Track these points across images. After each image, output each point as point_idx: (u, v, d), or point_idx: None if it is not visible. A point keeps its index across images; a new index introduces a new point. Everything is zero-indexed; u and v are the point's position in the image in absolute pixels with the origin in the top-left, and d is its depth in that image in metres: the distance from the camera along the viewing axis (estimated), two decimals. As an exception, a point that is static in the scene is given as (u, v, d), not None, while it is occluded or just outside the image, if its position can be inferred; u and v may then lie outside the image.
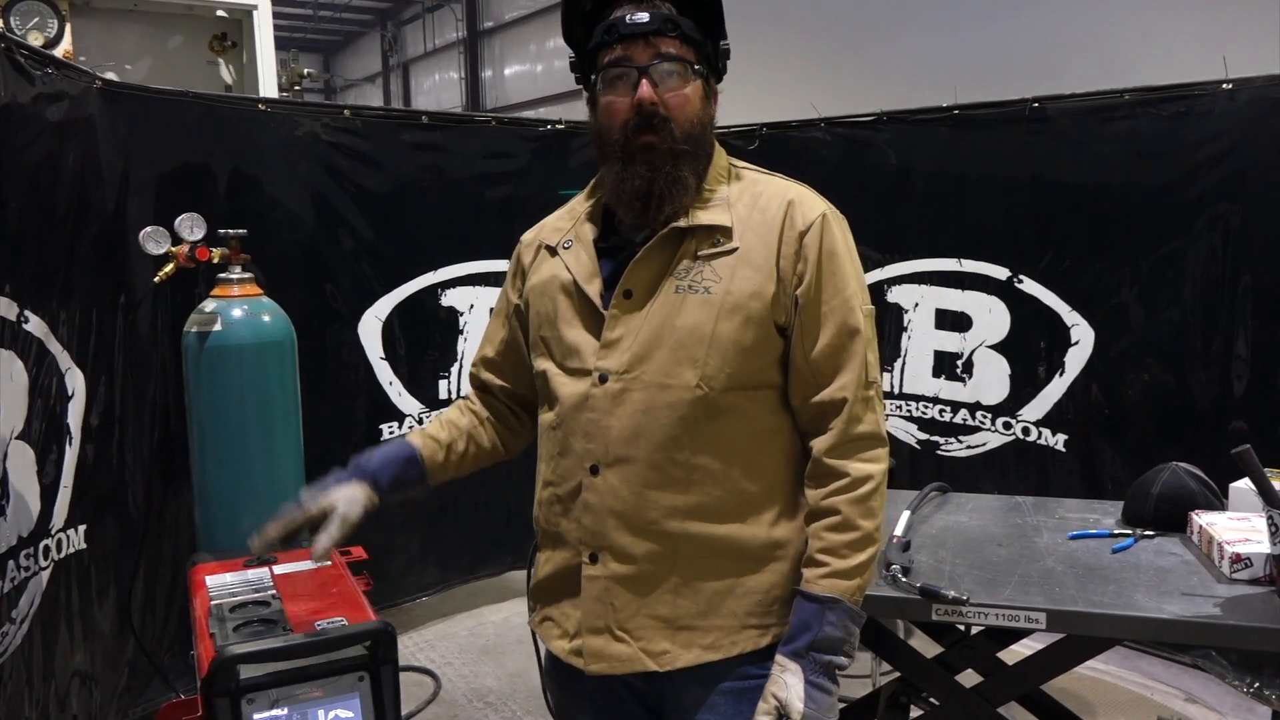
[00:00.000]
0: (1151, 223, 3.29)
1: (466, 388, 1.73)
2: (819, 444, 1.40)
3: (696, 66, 1.39)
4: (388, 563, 3.68)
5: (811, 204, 1.43)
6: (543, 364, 1.49)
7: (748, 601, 1.40)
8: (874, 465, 1.40)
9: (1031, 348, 3.60)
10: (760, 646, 1.40)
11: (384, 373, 3.72)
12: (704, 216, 1.41)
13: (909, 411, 3.96)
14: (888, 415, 1.41)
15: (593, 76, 1.41)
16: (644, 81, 1.35)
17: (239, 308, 2.43)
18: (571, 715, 1.56)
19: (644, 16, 1.36)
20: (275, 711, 1.53)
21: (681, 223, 1.40)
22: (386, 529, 3.74)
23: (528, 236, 1.62)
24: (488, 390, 1.67)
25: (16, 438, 2.23)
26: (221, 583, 1.96)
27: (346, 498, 1.51)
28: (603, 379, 1.39)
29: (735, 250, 1.39)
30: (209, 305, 2.44)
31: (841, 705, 1.85)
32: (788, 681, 1.34)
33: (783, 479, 1.44)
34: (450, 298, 3.87)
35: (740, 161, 1.52)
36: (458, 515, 3.99)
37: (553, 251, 1.50)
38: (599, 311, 1.41)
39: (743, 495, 1.40)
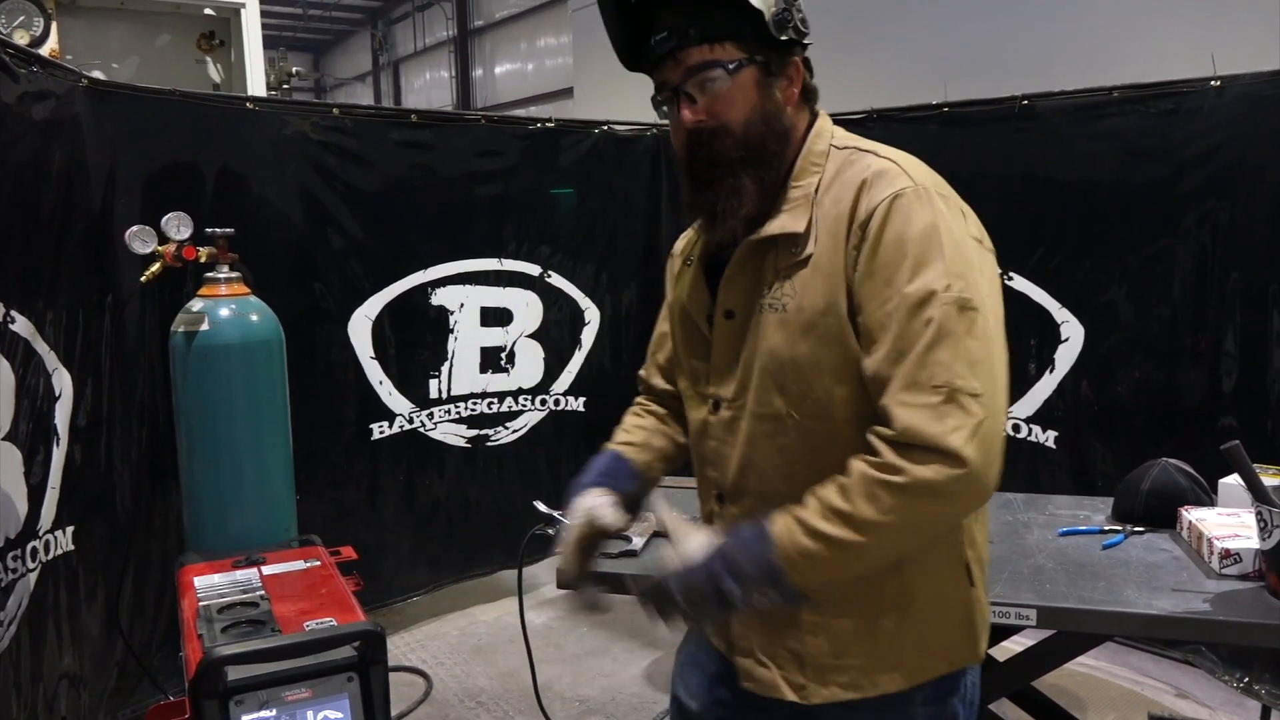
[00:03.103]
0: (1141, 220, 3.30)
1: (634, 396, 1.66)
2: None
3: (733, 64, 1.25)
4: (378, 563, 3.67)
5: (888, 181, 1.21)
6: (680, 382, 1.47)
7: (883, 643, 1.29)
8: (924, 470, 1.10)
9: (1021, 345, 3.60)
10: (904, 689, 1.30)
11: (374, 372, 3.71)
12: (774, 224, 1.27)
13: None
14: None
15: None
16: (683, 104, 1.27)
17: (226, 307, 2.42)
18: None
19: (664, 36, 1.27)
20: (263, 713, 1.52)
21: (756, 235, 1.28)
22: (377, 528, 3.73)
23: (677, 245, 1.54)
24: (656, 394, 1.61)
25: (3, 439, 2.22)
26: (210, 584, 1.95)
27: (614, 515, 1.40)
28: (716, 406, 1.34)
29: (809, 258, 1.24)
30: (196, 305, 2.43)
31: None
32: (691, 533, 1.22)
33: None
34: (440, 296, 3.86)
35: (848, 137, 1.33)
36: (449, 514, 3.98)
37: (688, 263, 1.45)
38: (706, 334, 1.36)
39: None
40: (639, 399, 1.64)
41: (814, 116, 1.36)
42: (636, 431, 1.55)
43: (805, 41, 1.30)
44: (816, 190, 1.27)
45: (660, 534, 1.25)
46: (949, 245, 1.16)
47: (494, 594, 4.13)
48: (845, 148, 1.30)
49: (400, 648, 3.63)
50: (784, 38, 1.26)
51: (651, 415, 1.58)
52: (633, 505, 1.44)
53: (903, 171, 1.22)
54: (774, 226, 1.27)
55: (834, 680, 1.29)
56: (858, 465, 1.15)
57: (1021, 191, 3.54)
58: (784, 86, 1.30)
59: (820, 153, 1.30)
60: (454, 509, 4.00)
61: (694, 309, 1.40)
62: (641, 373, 1.64)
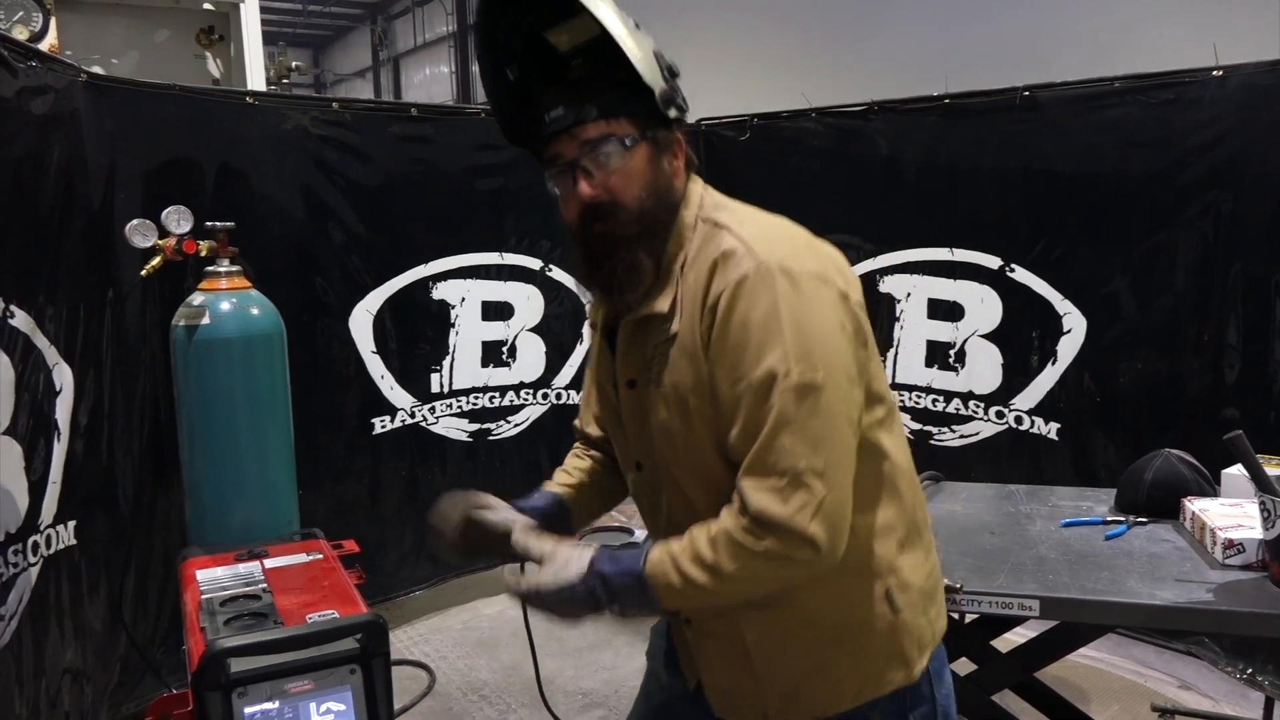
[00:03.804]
0: (1143, 211, 3.29)
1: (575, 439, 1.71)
2: None
3: (628, 139, 1.28)
4: (381, 557, 3.67)
5: (734, 264, 1.23)
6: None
7: (829, 673, 1.36)
8: (775, 545, 1.19)
9: (1024, 336, 3.60)
10: (856, 707, 1.36)
11: (375, 366, 3.71)
12: (647, 304, 1.32)
13: (901, 401, 3.96)
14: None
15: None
16: (580, 178, 1.30)
17: (227, 301, 2.41)
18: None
19: (559, 112, 1.29)
20: (266, 705, 1.52)
21: (633, 315, 1.34)
22: (379, 523, 3.73)
23: (588, 308, 1.61)
24: (592, 442, 1.66)
25: (3, 433, 2.22)
26: (212, 577, 1.95)
27: (514, 517, 1.47)
28: (638, 466, 1.43)
29: (675, 336, 1.29)
30: (197, 299, 2.42)
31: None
32: (563, 555, 1.31)
33: None
34: (441, 291, 3.86)
35: (713, 205, 1.35)
36: (451, 509, 3.98)
37: (594, 328, 1.52)
38: (614, 401, 1.42)
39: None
40: (577, 445, 1.69)
41: (688, 179, 1.38)
42: (575, 473, 1.62)
43: (685, 119, 1.34)
44: (682, 267, 1.31)
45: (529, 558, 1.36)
46: (789, 327, 1.20)
47: (496, 588, 4.12)
48: (708, 220, 1.32)
49: (403, 641, 3.63)
50: (671, 114, 1.30)
51: (590, 459, 1.64)
52: (549, 525, 1.49)
53: (749, 252, 1.24)
54: (645, 307, 1.32)
55: (793, 709, 1.39)
56: (726, 521, 1.23)
57: (1023, 183, 3.54)
58: (670, 160, 1.34)
59: (689, 225, 1.33)
60: (456, 503, 3.99)
61: (602, 377, 1.47)
62: (576, 423, 1.69)
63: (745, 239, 1.25)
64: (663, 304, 1.30)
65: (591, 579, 1.28)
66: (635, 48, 1.24)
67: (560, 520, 1.54)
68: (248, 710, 1.51)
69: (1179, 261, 3.25)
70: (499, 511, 1.46)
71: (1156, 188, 3.25)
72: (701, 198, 1.36)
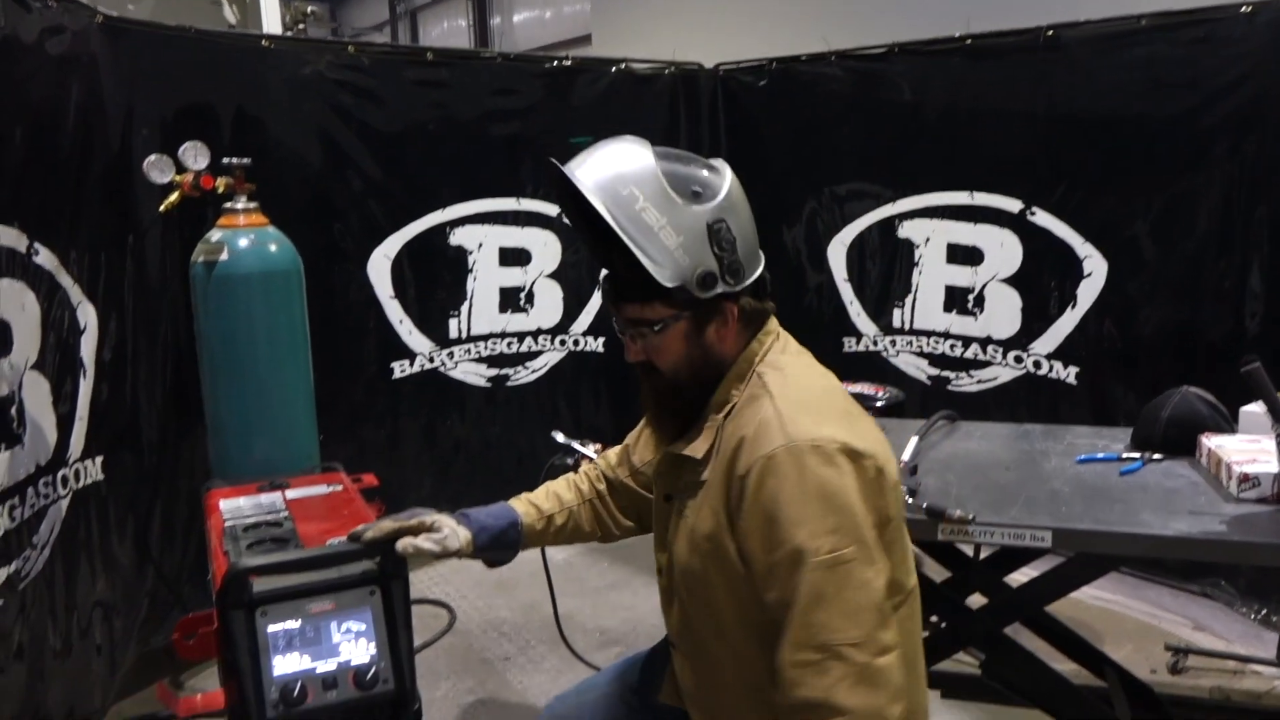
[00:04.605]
0: (1167, 152, 3.25)
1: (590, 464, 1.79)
2: None
3: (659, 325, 1.34)
4: (400, 500, 3.69)
5: (765, 440, 1.28)
6: None
7: None
8: None
9: (1043, 280, 3.57)
10: None
11: (394, 311, 3.73)
12: (685, 444, 1.39)
13: (919, 347, 3.95)
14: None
15: None
16: (626, 341, 1.40)
17: (245, 237, 2.43)
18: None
19: (606, 286, 1.40)
20: (289, 624, 1.55)
21: (672, 449, 1.42)
22: (398, 466, 3.77)
23: None
24: (609, 482, 1.73)
25: (31, 368, 2.25)
26: (235, 506, 1.98)
27: (452, 530, 1.58)
28: (660, 570, 1.50)
29: (705, 483, 1.36)
30: (215, 235, 2.44)
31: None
32: None
33: None
34: (459, 236, 3.87)
35: (772, 359, 1.39)
36: (469, 453, 4.03)
37: None
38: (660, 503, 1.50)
39: None
40: (591, 468, 1.77)
41: (756, 331, 1.42)
42: (556, 505, 1.70)
43: (736, 288, 1.36)
44: (726, 415, 1.37)
45: None
46: (817, 502, 1.23)
47: (515, 532, 4.17)
48: (760, 376, 1.37)
49: (424, 582, 3.69)
50: (718, 290, 1.34)
51: (579, 492, 1.73)
52: (493, 542, 1.62)
53: (781, 427, 1.28)
54: (684, 446, 1.39)
55: None
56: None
57: (1045, 125, 3.49)
58: (717, 327, 1.37)
59: (741, 375, 1.38)
60: (474, 448, 4.04)
61: (652, 480, 1.56)
62: (605, 454, 1.78)
63: (782, 411, 1.30)
64: (698, 449, 1.37)
65: None
66: (661, 246, 1.28)
67: (506, 543, 1.64)
68: (271, 629, 1.54)
69: (1202, 205, 3.22)
70: (433, 531, 1.56)
71: (1181, 129, 3.20)
72: (762, 353, 1.40)
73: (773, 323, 1.44)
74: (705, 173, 1.37)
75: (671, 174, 1.32)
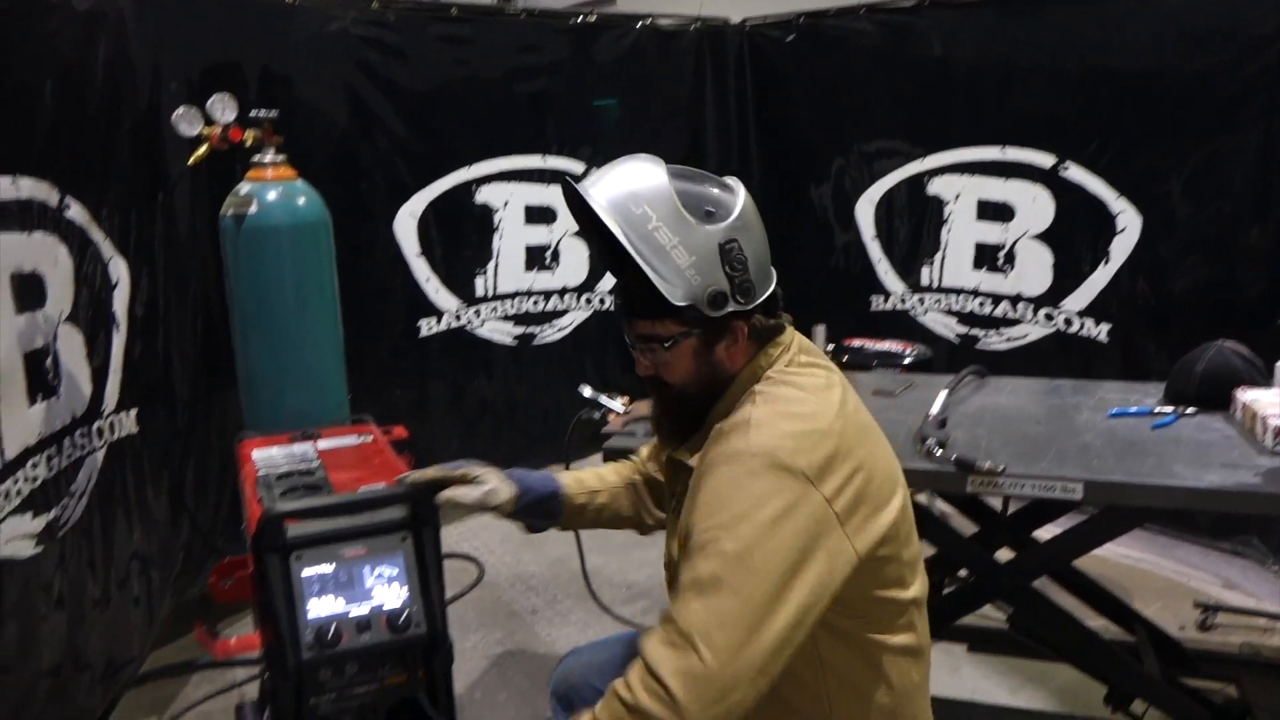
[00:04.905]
0: (1204, 106, 3.18)
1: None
2: None
3: (669, 342, 1.35)
4: (429, 457, 3.73)
5: (738, 434, 1.30)
6: None
7: None
8: (647, 699, 1.21)
9: (1076, 237, 3.53)
10: None
11: (421, 269, 3.74)
12: (684, 451, 1.43)
13: (948, 305, 3.92)
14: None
15: None
16: (637, 354, 1.41)
17: (274, 190, 2.43)
18: None
19: (619, 301, 1.42)
20: (322, 567, 1.57)
21: (672, 454, 1.45)
22: (426, 423, 3.80)
23: None
24: (644, 475, 1.77)
25: (65, 321, 2.28)
26: (268, 456, 2.01)
27: (497, 486, 1.63)
28: (666, 565, 1.51)
29: (693, 479, 1.39)
30: (244, 188, 2.45)
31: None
32: None
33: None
34: (484, 194, 3.86)
35: (777, 373, 1.38)
36: (496, 410, 4.05)
37: None
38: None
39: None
40: (634, 459, 1.82)
41: (764, 345, 1.41)
42: (602, 485, 1.74)
43: (747, 307, 1.35)
44: (722, 423, 1.37)
45: None
46: (751, 513, 1.23)
47: (542, 490, 4.20)
48: (758, 390, 1.37)
49: (453, 537, 3.73)
50: (728, 309, 1.34)
51: (622, 476, 1.77)
52: (534, 506, 1.66)
53: (749, 430, 1.29)
54: (682, 453, 1.43)
55: None
56: (622, 681, 1.26)
57: (1079, 78, 3.43)
58: (727, 345, 1.38)
59: (744, 388, 1.39)
60: (501, 405, 4.06)
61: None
62: (641, 450, 1.81)
63: (758, 418, 1.30)
64: (692, 458, 1.39)
65: None
66: (672, 265, 1.29)
67: (546, 511, 1.68)
68: (305, 573, 1.56)
69: (1239, 160, 3.15)
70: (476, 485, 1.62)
71: (1218, 82, 3.14)
72: (768, 366, 1.39)
73: (785, 335, 1.44)
74: (718, 191, 1.36)
75: (685, 193, 1.32)
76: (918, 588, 1.41)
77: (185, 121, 2.38)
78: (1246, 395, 2.18)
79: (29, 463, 2.10)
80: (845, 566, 1.27)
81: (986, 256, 3.77)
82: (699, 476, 1.33)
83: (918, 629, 1.41)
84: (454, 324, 3.87)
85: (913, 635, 1.40)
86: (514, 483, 1.64)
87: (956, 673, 2.73)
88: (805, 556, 1.24)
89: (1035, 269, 3.64)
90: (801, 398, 1.35)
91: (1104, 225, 3.43)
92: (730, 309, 1.34)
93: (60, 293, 2.27)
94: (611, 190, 1.32)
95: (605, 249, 1.40)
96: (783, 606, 1.23)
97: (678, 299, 1.30)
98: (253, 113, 2.51)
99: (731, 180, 1.41)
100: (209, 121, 2.44)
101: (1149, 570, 3.32)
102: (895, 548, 1.34)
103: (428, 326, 3.80)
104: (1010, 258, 3.70)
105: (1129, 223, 3.38)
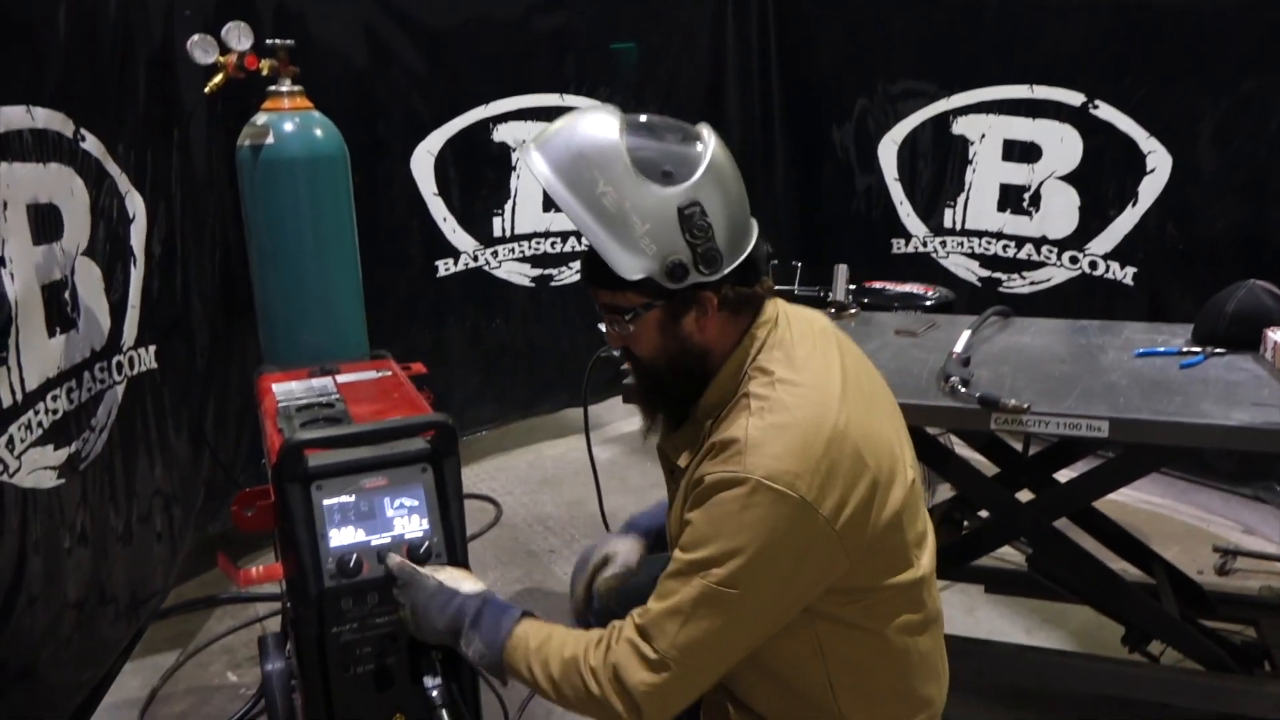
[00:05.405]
0: (1237, 44, 3.09)
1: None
2: None
3: (629, 314, 1.27)
4: (446, 397, 3.74)
5: (727, 461, 1.21)
6: None
7: None
8: (614, 700, 1.24)
9: (1103, 177, 3.46)
10: None
11: (438, 209, 3.71)
12: (673, 442, 1.39)
13: (971, 248, 3.86)
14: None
15: None
16: (607, 325, 1.35)
17: (290, 121, 2.40)
18: None
19: (582, 268, 1.33)
20: (343, 498, 1.57)
21: (662, 440, 1.42)
22: (444, 364, 3.80)
23: None
24: None
25: (82, 254, 2.27)
26: (287, 389, 2.00)
27: (626, 548, 1.65)
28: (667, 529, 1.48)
29: (681, 487, 1.35)
30: (260, 119, 2.42)
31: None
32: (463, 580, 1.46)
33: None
34: (502, 133, 3.81)
35: (766, 357, 1.30)
36: (514, 352, 4.04)
37: None
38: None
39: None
40: None
41: (749, 320, 1.33)
42: None
43: (713, 278, 1.26)
44: (712, 422, 1.30)
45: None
46: (741, 540, 1.18)
47: (559, 431, 4.22)
48: (749, 386, 1.28)
49: (471, 478, 3.75)
50: (689, 280, 1.24)
51: None
52: (662, 541, 1.63)
53: (743, 452, 1.20)
54: (672, 444, 1.39)
55: None
56: (586, 647, 1.28)
57: (1111, 13, 3.34)
58: (695, 318, 1.29)
59: (731, 377, 1.31)
60: (519, 346, 4.05)
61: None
62: None
63: (754, 439, 1.21)
64: (684, 457, 1.35)
65: (467, 607, 1.39)
66: (624, 234, 1.20)
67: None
68: (326, 502, 1.56)
69: (1275, 100, 3.06)
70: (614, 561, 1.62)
71: (1254, 18, 3.04)
72: (755, 350, 1.31)
73: (770, 307, 1.34)
74: (680, 147, 1.24)
75: (638, 151, 1.21)
76: (925, 561, 1.36)
77: (200, 49, 2.35)
78: (1277, 334, 2.14)
79: (49, 395, 2.10)
80: (835, 573, 1.24)
81: (1011, 198, 3.70)
82: (690, 488, 1.27)
83: (926, 604, 1.37)
84: (471, 264, 3.84)
85: (920, 612, 1.36)
86: (636, 534, 1.69)
87: (972, 613, 2.74)
88: (793, 579, 1.22)
89: (1061, 211, 3.57)
90: (799, 399, 1.24)
91: (1133, 166, 3.36)
92: (693, 280, 1.24)
93: (77, 226, 2.25)
94: (558, 151, 1.24)
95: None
96: (762, 628, 1.25)
97: (630, 272, 1.22)
98: (269, 41, 2.46)
99: (704, 129, 1.30)
100: (224, 50, 2.40)
101: (1167, 515, 3.31)
102: (900, 533, 1.30)
103: (445, 267, 3.77)
104: (1036, 199, 3.63)
105: (1159, 163, 3.30)
